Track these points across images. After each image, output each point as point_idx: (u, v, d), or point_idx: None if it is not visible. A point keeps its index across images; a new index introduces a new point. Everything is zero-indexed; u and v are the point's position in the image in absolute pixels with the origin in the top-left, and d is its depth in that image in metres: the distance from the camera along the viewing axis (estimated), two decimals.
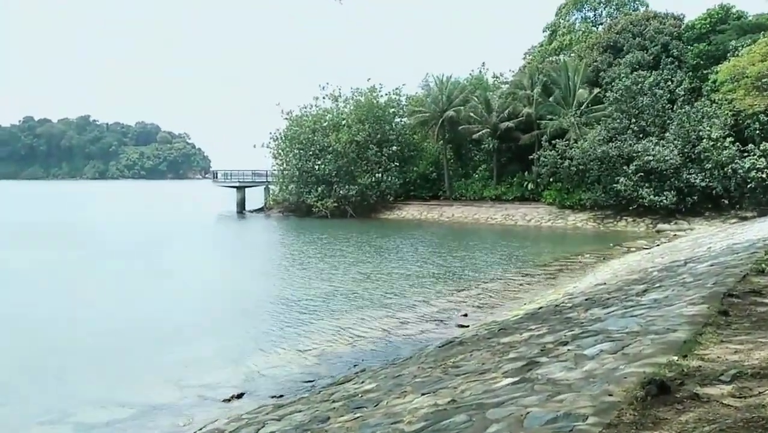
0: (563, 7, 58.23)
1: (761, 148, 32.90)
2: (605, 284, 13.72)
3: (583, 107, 40.55)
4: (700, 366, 4.41)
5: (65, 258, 25.00)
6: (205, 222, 46.01)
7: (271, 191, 52.96)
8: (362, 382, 8.22)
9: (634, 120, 36.17)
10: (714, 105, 34.42)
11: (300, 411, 7.10)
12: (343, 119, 49.11)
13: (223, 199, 55.97)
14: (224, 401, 8.82)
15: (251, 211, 52.08)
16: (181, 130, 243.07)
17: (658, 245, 25.12)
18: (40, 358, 11.44)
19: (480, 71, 53.89)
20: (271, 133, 51.61)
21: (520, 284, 18.17)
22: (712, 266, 11.32)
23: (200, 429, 7.74)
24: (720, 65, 33.64)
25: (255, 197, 54.40)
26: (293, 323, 13.60)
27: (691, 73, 38.61)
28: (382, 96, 50.82)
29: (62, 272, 21.88)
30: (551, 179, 39.68)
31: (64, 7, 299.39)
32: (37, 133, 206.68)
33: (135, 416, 8.45)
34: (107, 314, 15.05)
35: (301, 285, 18.69)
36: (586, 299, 11.18)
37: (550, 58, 49.63)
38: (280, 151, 49.82)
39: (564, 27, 56.59)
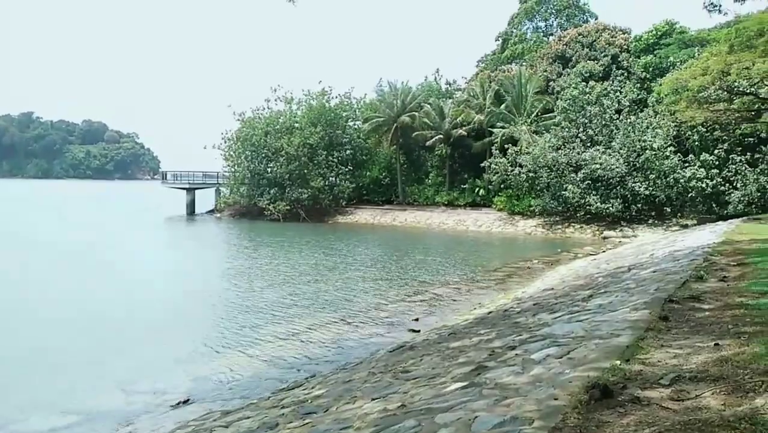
0: (515, 17, 59.34)
1: (701, 158, 34.15)
2: (553, 289, 13.98)
3: (533, 116, 41.33)
4: (642, 370, 4.54)
5: (13, 260, 24.11)
6: (153, 224, 45.02)
7: (222, 193, 52.34)
8: (312, 387, 8.17)
9: (582, 129, 36.98)
10: (658, 116, 35.56)
11: (248, 417, 7.01)
12: (296, 122, 48.85)
13: (172, 201, 54.85)
14: (172, 407, 8.64)
15: (201, 214, 51.24)
16: (130, 129, 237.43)
17: (603, 252, 25.73)
18: None
19: (434, 78, 54.49)
20: (222, 134, 51.05)
21: (471, 289, 18.35)
22: (654, 272, 11.67)
23: None
24: (664, 78, 34.83)
25: (206, 199, 53.54)
26: (244, 328, 13.41)
27: (638, 85, 39.85)
28: (333, 99, 50.90)
29: (8, 275, 21.06)
30: (502, 186, 40.24)
31: None
32: None
33: (80, 423, 8.21)
34: (53, 318, 14.55)
35: (252, 289, 18.46)
36: (534, 304, 11.38)
37: (503, 67, 50.53)
38: (231, 153, 49.22)
39: (516, 36, 57.69)
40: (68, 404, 8.86)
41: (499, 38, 60.20)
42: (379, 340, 12.16)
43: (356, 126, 51.61)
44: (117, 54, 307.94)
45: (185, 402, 8.77)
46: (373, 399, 5.86)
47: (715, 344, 5.18)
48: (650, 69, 40.27)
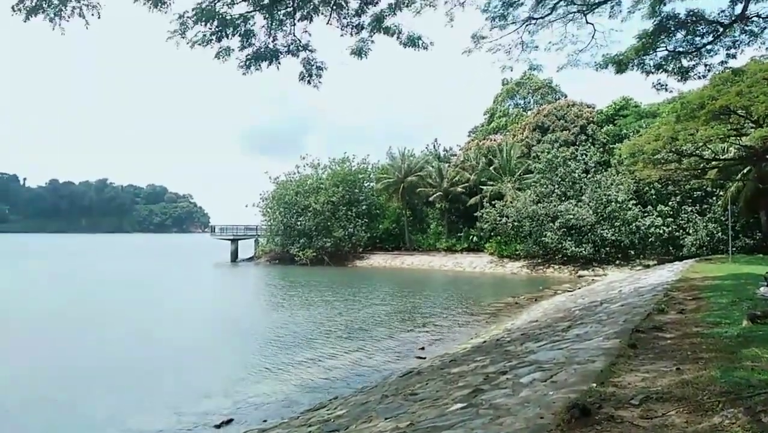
0: (499, 96, 60.45)
1: (657, 209, 34.03)
2: (537, 321, 13.76)
3: (516, 175, 41.55)
4: (615, 392, 4.42)
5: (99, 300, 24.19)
6: (204, 268, 45.10)
7: (260, 243, 52.56)
8: (335, 408, 8.00)
9: (557, 186, 37.06)
10: (619, 174, 35.62)
11: None
12: (321, 184, 49.38)
13: (219, 250, 55.04)
14: (215, 426, 8.46)
15: (243, 260, 51.32)
16: (186, 191, 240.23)
17: (579, 288, 25.39)
18: (54, 382, 10.88)
19: (434, 146, 55.10)
20: (260, 194, 51.55)
21: (468, 321, 18.09)
22: (622, 306, 11.48)
23: None
24: (622, 143, 35.10)
25: (247, 248, 53.72)
26: (277, 354, 13.25)
27: (601, 149, 40.10)
28: (353, 165, 51.62)
29: (88, 311, 21.08)
30: (492, 233, 40.12)
31: (87, 86, 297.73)
32: (61, 194, 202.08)
33: None
34: (118, 347, 14.45)
35: (284, 322, 18.29)
36: (522, 334, 11.18)
37: (490, 136, 51.13)
38: (268, 209, 49.62)
39: (500, 111, 58.59)
40: (127, 424, 8.70)
41: (487, 113, 61.17)
42: (391, 366, 11.95)
43: (371, 186, 52.09)
44: (181, 129, 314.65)
45: (227, 422, 8.58)
46: (386, 419, 5.72)
47: (677, 369, 5.05)
48: (611, 136, 40.64)
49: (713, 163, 28.62)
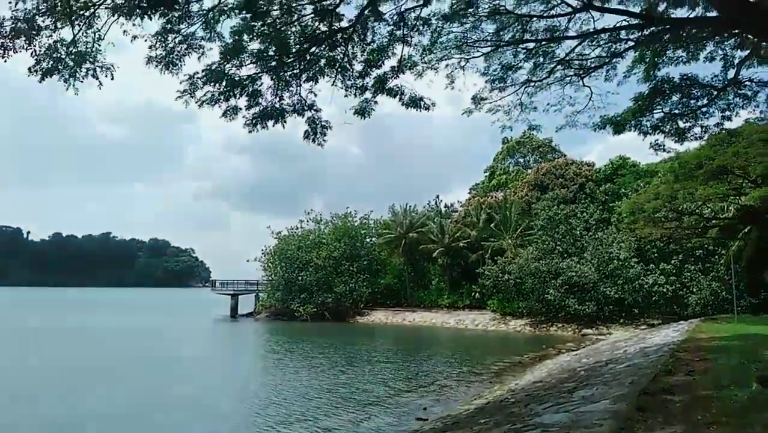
0: (500, 154, 61.40)
1: (660, 267, 33.81)
2: (541, 381, 13.42)
3: (517, 232, 41.61)
4: None
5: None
6: (202, 325, 44.53)
7: (260, 298, 52.07)
8: None
9: (558, 243, 37.01)
10: (620, 232, 35.60)
11: None
12: (323, 239, 49.42)
13: (218, 305, 54.45)
14: None
15: (243, 315, 50.67)
16: (188, 245, 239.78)
17: (583, 347, 24.87)
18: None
19: (435, 202, 55.52)
20: (262, 249, 51.48)
21: (471, 381, 17.64)
22: (628, 366, 11.22)
23: None
24: (622, 201, 35.30)
25: (247, 303, 53.17)
26: (276, 417, 12.85)
27: (601, 207, 40.31)
28: (356, 220, 51.91)
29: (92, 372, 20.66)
30: (494, 290, 39.73)
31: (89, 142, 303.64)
32: (64, 247, 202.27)
33: None
34: (104, 396, 14.05)
35: (284, 380, 17.85)
36: (526, 395, 10.88)
37: (491, 193, 51.55)
38: (269, 264, 49.46)
39: (501, 169, 59.33)
40: None
41: (488, 171, 61.93)
42: (392, 429, 11.56)
43: (372, 241, 52.14)
44: (181, 185, 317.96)
45: None
46: None
47: None
48: (610, 194, 40.99)
49: (714, 222, 28.67)
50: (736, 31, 10.92)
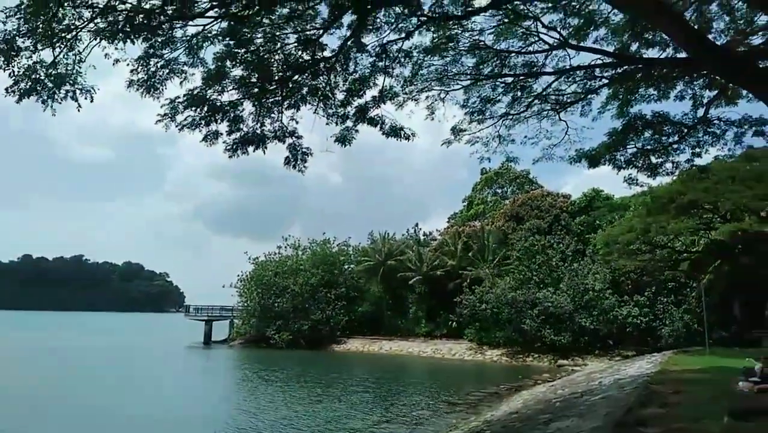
0: (478, 184, 62.15)
1: (634, 299, 34.21)
2: (517, 413, 13.34)
3: (495, 261, 41.85)
4: None
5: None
6: (173, 352, 43.39)
7: (235, 324, 51.12)
8: None
9: (535, 273, 37.26)
10: (595, 264, 36.04)
11: None
12: (301, 265, 49.00)
13: (192, 331, 53.25)
14: None
15: (216, 342, 49.58)
16: (163, 269, 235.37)
17: (559, 378, 24.86)
18: None
19: (414, 230, 55.70)
20: (238, 274, 50.63)
21: (447, 411, 17.45)
22: (603, 398, 11.24)
23: None
24: (597, 233, 35.85)
25: (221, 328, 52.12)
26: None
27: (576, 238, 40.85)
28: (334, 247, 51.67)
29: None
30: (471, 319, 39.65)
31: (63, 166, 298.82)
32: (34, 270, 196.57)
33: None
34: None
35: (257, 411, 17.41)
36: (502, 427, 10.79)
37: (469, 223, 51.94)
38: (245, 290, 48.70)
39: (479, 199, 59.98)
40: None
41: (466, 200, 62.56)
42: None
43: (350, 268, 51.86)
44: (160, 208, 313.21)
45: None
46: None
47: None
48: (584, 225, 41.66)
49: (685, 255, 29.26)
50: (705, 72, 11.36)
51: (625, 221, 29.64)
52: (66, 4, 6.53)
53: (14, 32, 6.61)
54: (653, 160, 13.19)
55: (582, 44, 11.39)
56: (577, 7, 11.05)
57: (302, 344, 43.92)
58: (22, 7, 6.38)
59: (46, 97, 7.05)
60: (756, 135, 12.49)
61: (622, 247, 27.54)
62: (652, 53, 11.71)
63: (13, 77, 6.92)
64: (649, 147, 13.05)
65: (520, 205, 45.54)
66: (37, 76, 6.89)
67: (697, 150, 13.01)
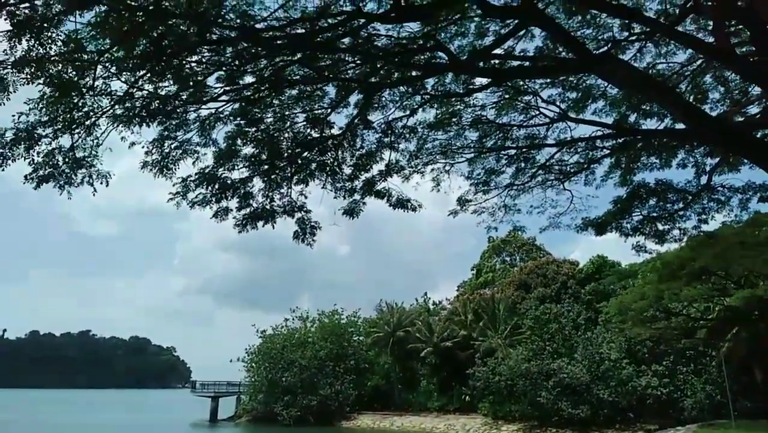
0: (486, 252, 62.02)
1: (652, 368, 33.03)
2: None
3: (506, 331, 40.99)
4: None
5: None
6: (179, 431, 42.00)
7: (242, 400, 49.69)
8: None
9: (548, 343, 36.34)
10: (609, 332, 35.13)
11: None
12: (309, 337, 48.16)
13: (198, 408, 51.73)
14: None
15: (223, 420, 48.02)
16: (170, 343, 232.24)
17: None
18: None
19: (423, 300, 55.06)
20: (246, 348, 49.77)
21: None
22: None
23: None
24: (607, 301, 35.20)
25: (228, 404, 50.62)
26: None
27: (585, 306, 40.08)
28: (343, 318, 50.92)
29: None
30: (485, 391, 38.34)
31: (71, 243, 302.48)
32: (40, 347, 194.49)
33: None
34: None
35: None
36: None
37: (479, 291, 51.36)
38: (252, 364, 47.67)
39: (487, 267, 59.64)
40: None
41: (474, 268, 62.20)
42: None
43: (360, 339, 50.88)
44: (168, 284, 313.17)
45: None
46: None
47: None
48: (594, 294, 40.98)
49: (701, 322, 28.56)
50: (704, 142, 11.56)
51: (637, 288, 29.19)
52: (87, 93, 6.90)
53: (36, 122, 6.93)
54: (660, 227, 13.19)
55: (581, 116, 11.72)
56: (575, 82, 11.47)
57: (310, 420, 42.44)
58: (45, 96, 6.75)
59: (62, 183, 7.28)
60: (761, 201, 12.54)
61: (636, 314, 27.00)
62: (651, 123, 12.02)
63: (33, 165, 7.19)
64: (654, 214, 13.09)
65: (528, 274, 45.18)
66: (56, 161, 7.15)
67: (703, 216, 13.05)
